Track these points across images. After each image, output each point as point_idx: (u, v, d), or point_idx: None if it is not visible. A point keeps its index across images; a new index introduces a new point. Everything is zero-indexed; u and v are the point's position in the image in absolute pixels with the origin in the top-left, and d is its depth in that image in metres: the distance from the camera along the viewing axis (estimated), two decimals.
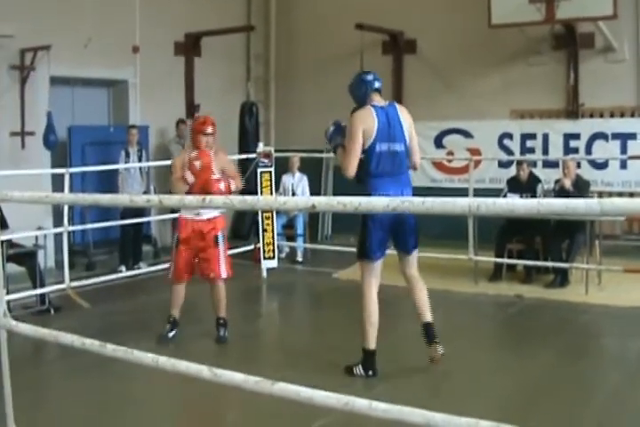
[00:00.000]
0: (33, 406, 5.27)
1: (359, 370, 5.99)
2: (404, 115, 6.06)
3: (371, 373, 5.97)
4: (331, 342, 7.10)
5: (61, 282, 8.59)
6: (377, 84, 6.12)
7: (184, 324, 7.12)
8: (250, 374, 2.98)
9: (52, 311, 8.15)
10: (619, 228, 11.24)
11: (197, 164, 6.85)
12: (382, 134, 5.87)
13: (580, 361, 6.47)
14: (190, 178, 6.75)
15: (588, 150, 11.59)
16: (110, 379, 5.83)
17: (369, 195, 5.75)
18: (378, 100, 6.05)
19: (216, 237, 6.94)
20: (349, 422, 4.11)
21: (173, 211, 10.66)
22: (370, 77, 6.15)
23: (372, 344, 5.98)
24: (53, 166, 10.45)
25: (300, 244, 11.52)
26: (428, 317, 6.16)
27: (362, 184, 5.96)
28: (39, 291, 8.15)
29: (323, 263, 11.02)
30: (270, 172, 10.10)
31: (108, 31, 11.16)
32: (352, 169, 5.83)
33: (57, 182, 9.41)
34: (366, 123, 5.86)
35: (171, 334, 6.97)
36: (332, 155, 12.66)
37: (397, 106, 6.13)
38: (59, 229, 8.96)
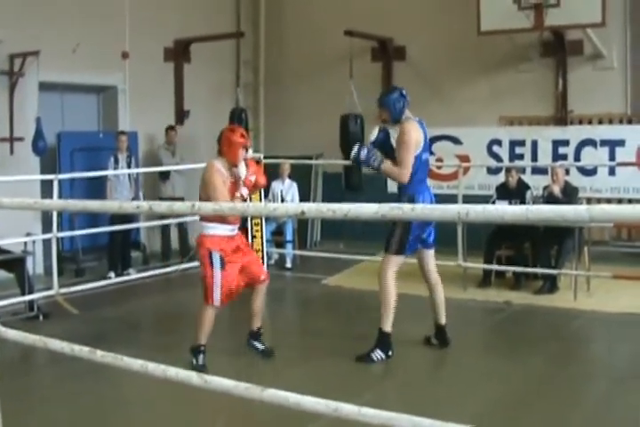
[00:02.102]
0: (22, 412, 5.24)
1: (378, 354, 6.40)
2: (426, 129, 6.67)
3: (390, 353, 6.42)
4: (321, 347, 7.10)
5: (50, 288, 8.56)
6: (409, 100, 6.64)
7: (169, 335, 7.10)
8: (240, 380, 2.98)
9: (41, 318, 8.12)
10: (607, 234, 11.29)
11: (249, 175, 6.51)
12: (424, 145, 6.53)
13: (569, 367, 6.48)
14: (245, 192, 6.45)
15: (577, 157, 11.62)
16: (100, 385, 5.82)
17: (410, 198, 6.41)
18: (411, 115, 6.60)
19: (247, 243, 6.90)
20: None
21: (162, 217, 10.68)
22: (405, 93, 6.63)
23: (389, 327, 6.45)
24: (42, 172, 10.43)
25: (289, 250, 11.51)
26: (443, 320, 6.80)
27: (405, 190, 6.53)
28: (28, 297, 8.12)
29: (312, 270, 11.01)
30: None
31: (98, 37, 11.16)
32: (407, 177, 6.42)
33: (46, 188, 9.38)
34: (417, 134, 6.43)
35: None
36: (318, 161, 12.83)
37: (422, 120, 6.69)
38: (47, 236, 8.94)
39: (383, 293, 6.49)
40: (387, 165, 6.45)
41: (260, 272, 6.64)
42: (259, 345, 6.73)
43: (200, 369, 5.97)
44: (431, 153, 12.64)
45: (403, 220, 6.11)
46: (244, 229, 6.80)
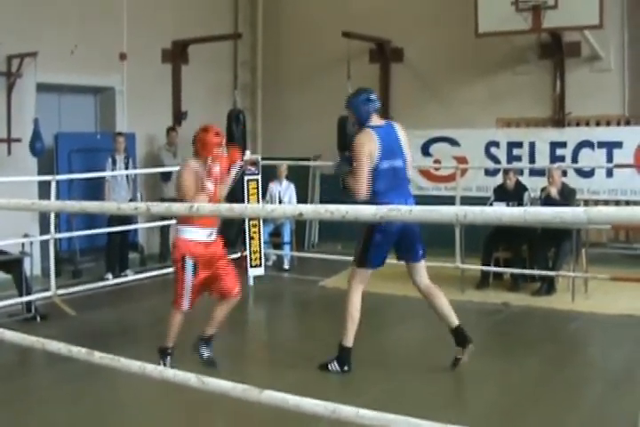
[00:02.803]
0: (20, 414, 5.24)
1: (334, 366, 6.22)
2: (400, 132, 6.30)
3: (346, 368, 6.20)
4: (318, 349, 7.09)
5: (48, 289, 8.56)
6: (378, 105, 6.30)
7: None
8: (238, 381, 2.98)
9: (39, 319, 8.10)
10: (605, 236, 11.30)
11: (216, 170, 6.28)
12: (384, 154, 6.08)
13: (566, 369, 6.47)
14: (210, 187, 6.16)
15: (575, 159, 11.64)
16: (98, 387, 5.81)
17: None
18: (376, 121, 6.23)
19: (226, 254, 6.55)
20: None
21: (161, 218, 10.67)
22: (374, 97, 6.27)
23: (350, 342, 6.23)
24: (40, 173, 10.42)
25: (286, 252, 11.52)
26: (454, 321, 6.29)
27: (369, 201, 6.05)
28: (25, 298, 8.11)
29: (309, 271, 11.01)
30: (257, 180, 10.09)
31: (95, 38, 11.16)
32: (364, 190, 6.03)
33: (43, 189, 9.38)
34: (369, 145, 6.04)
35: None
36: (316, 163, 12.83)
37: (394, 124, 6.38)
38: (45, 237, 8.94)
39: (345, 307, 6.25)
40: (348, 178, 6.19)
41: (232, 288, 6.38)
42: (207, 352, 6.48)
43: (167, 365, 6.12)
44: (428, 154, 12.94)
45: (369, 233, 6.13)
46: (221, 236, 6.47)
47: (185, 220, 6.08)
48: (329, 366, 6.24)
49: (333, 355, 6.27)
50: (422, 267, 6.39)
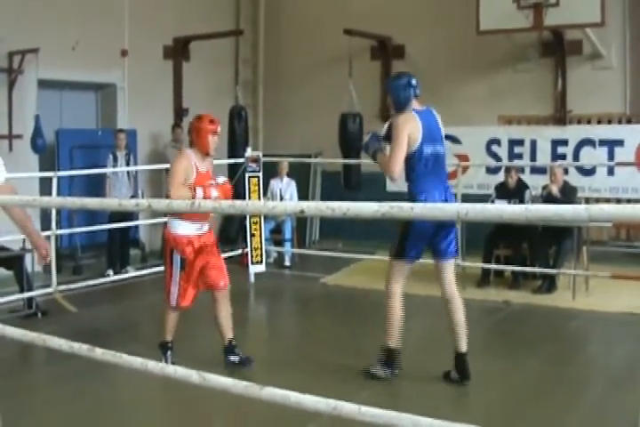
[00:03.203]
0: (21, 411, 5.24)
1: (379, 369, 5.95)
2: (439, 120, 6.10)
3: (396, 371, 5.96)
4: (320, 346, 7.10)
5: (49, 286, 8.58)
6: (419, 91, 6.06)
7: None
8: (239, 378, 2.98)
9: (40, 315, 8.11)
10: (606, 234, 11.30)
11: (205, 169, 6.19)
12: (426, 138, 5.84)
13: (567, 367, 6.48)
14: (214, 194, 6.02)
15: (576, 157, 11.62)
16: (99, 383, 5.82)
17: (412, 197, 5.84)
18: (416, 106, 6.00)
19: (217, 245, 6.40)
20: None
21: (165, 215, 10.66)
22: (415, 82, 6.02)
23: (395, 343, 5.93)
24: (41, 170, 10.43)
25: (287, 249, 11.52)
26: (463, 347, 5.97)
27: (408, 189, 5.96)
28: (26, 295, 8.12)
29: (310, 268, 11.02)
30: (258, 177, 10.09)
31: (97, 35, 11.16)
32: (398, 171, 5.77)
33: (45, 186, 9.38)
34: (410, 126, 5.81)
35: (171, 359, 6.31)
36: (317, 160, 12.83)
37: (433, 110, 6.14)
38: (46, 233, 8.90)
39: (387, 305, 5.94)
40: (381, 156, 5.96)
41: (219, 278, 6.22)
42: (234, 358, 6.35)
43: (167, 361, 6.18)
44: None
45: (406, 227, 5.81)
46: (222, 232, 6.38)
47: (176, 213, 5.93)
48: (372, 371, 5.96)
49: (376, 359, 5.97)
50: (451, 268, 6.10)
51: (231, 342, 6.35)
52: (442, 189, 5.95)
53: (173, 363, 5.93)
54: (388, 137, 5.92)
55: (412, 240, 5.86)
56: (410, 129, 5.79)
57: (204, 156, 6.17)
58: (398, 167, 5.76)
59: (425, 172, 5.87)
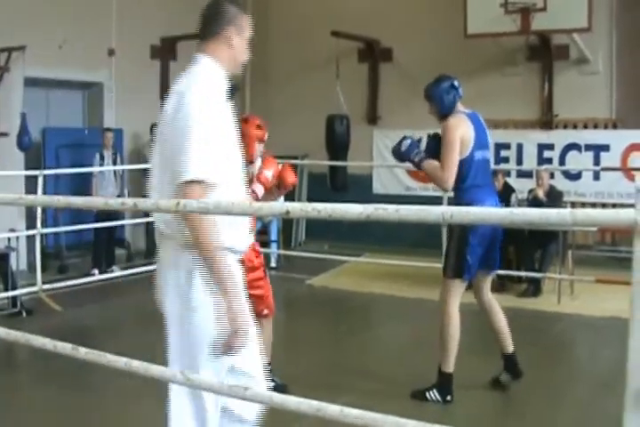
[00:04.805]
0: (3, 410, 5.23)
1: (434, 395, 5.56)
2: (484, 123, 5.74)
3: (449, 398, 5.55)
4: (303, 348, 7.10)
5: (33, 285, 8.54)
6: (462, 92, 5.73)
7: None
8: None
9: (24, 314, 8.08)
10: (591, 238, 11.33)
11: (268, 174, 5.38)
12: (477, 143, 5.50)
13: (552, 370, 6.50)
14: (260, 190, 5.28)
15: (562, 161, 11.67)
16: (83, 383, 5.80)
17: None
18: (463, 108, 5.67)
19: (263, 264, 5.59)
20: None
21: (147, 215, 10.63)
22: (457, 83, 5.69)
23: (451, 367, 5.58)
24: (27, 168, 10.39)
25: (273, 250, 11.51)
26: (509, 347, 5.89)
27: (456, 198, 5.62)
28: (11, 293, 8.10)
29: (296, 270, 11.01)
30: None
31: (84, 33, 11.13)
32: (452, 180, 5.39)
33: (30, 184, 9.35)
34: (464, 131, 5.45)
35: None
36: (304, 162, 12.83)
37: (478, 114, 5.76)
38: (31, 232, 8.92)
39: (442, 327, 5.57)
40: (430, 163, 5.49)
41: (261, 306, 5.25)
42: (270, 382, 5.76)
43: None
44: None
45: (463, 237, 5.42)
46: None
47: None
48: (427, 395, 5.55)
49: (432, 383, 5.62)
50: (489, 281, 5.88)
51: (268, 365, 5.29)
52: (494, 199, 5.63)
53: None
54: (429, 149, 5.63)
55: (473, 255, 5.46)
56: (462, 133, 5.44)
57: (246, 163, 4.81)
58: (453, 176, 5.38)
59: (476, 180, 5.49)
